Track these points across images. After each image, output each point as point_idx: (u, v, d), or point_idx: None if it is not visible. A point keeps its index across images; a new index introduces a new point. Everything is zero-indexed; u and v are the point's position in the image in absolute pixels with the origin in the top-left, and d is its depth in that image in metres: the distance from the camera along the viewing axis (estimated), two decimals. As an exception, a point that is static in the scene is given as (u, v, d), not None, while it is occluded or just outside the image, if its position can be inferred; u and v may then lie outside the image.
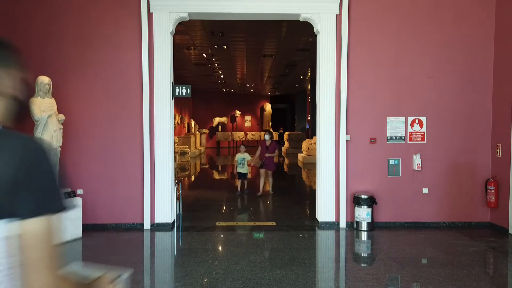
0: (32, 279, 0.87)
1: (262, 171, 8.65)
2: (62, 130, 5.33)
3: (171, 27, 5.83)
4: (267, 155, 8.52)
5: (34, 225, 0.88)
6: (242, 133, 26.58)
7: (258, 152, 8.70)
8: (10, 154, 0.88)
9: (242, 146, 9.22)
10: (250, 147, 13.91)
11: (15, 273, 0.89)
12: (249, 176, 9.39)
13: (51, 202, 0.92)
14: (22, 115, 2.01)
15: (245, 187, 8.98)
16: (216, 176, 13.37)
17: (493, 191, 5.76)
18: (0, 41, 1.02)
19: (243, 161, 8.86)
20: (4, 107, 1.01)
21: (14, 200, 0.87)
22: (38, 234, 0.88)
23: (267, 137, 8.73)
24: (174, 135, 6.86)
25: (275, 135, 26.80)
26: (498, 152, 5.79)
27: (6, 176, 0.86)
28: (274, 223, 6.09)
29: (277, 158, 13.65)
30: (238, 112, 27.00)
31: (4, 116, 1.02)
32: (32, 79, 5.20)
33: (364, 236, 5.61)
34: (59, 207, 0.93)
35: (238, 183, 9.02)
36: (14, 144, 0.90)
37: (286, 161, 17.28)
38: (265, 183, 8.87)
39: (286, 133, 21.57)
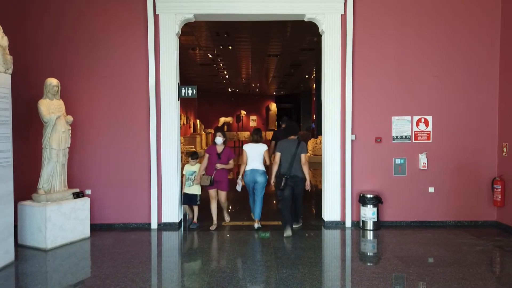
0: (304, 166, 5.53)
1: (212, 191, 5.86)
2: (70, 131, 5.40)
3: (177, 29, 5.88)
4: (218, 166, 5.73)
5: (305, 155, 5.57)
6: (248, 132, 26.61)
7: (204, 163, 5.84)
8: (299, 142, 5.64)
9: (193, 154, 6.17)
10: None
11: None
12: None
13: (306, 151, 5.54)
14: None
15: (196, 217, 5.97)
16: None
17: (499, 190, 5.74)
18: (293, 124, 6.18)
19: (193, 175, 5.93)
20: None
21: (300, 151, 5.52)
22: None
23: (218, 140, 5.82)
24: (180, 135, 6.91)
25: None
26: (505, 151, 5.77)
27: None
28: (279, 223, 6.11)
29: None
30: (243, 112, 27.06)
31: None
32: (41, 81, 5.29)
33: (370, 235, 5.62)
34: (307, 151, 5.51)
35: (186, 210, 6.17)
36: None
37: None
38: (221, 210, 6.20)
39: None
